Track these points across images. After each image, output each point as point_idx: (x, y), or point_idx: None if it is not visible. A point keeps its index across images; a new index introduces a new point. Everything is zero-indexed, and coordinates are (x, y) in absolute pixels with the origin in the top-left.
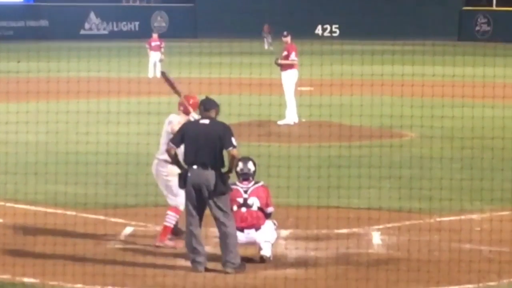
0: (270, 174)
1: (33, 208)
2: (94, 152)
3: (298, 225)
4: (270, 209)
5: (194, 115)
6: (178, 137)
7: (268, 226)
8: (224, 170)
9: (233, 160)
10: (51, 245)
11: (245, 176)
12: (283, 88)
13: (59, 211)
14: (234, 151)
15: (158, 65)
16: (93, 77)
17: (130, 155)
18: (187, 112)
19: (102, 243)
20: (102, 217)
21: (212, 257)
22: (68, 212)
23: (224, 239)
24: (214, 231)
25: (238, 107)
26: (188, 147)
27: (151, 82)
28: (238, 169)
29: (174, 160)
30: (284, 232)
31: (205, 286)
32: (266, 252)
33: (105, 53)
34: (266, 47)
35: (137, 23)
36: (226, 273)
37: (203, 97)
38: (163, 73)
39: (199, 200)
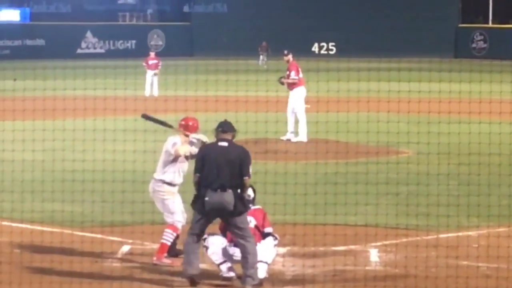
0: (266, 191)
1: (29, 226)
2: (91, 170)
3: (295, 242)
4: (267, 229)
5: (195, 136)
6: (200, 164)
7: (267, 244)
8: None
9: (245, 190)
10: (48, 263)
11: None
12: (289, 106)
13: (55, 229)
14: (247, 181)
15: (155, 83)
16: (89, 95)
17: (126, 172)
18: (187, 134)
19: (99, 261)
20: (99, 236)
21: (208, 275)
22: (65, 231)
23: (245, 255)
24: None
25: (234, 124)
26: (207, 170)
27: (147, 100)
28: None
29: (197, 188)
30: (281, 250)
31: None
32: (261, 274)
33: (101, 72)
34: (259, 63)
35: (133, 42)
36: None
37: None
38: (144, 115)
39: (208, 221)
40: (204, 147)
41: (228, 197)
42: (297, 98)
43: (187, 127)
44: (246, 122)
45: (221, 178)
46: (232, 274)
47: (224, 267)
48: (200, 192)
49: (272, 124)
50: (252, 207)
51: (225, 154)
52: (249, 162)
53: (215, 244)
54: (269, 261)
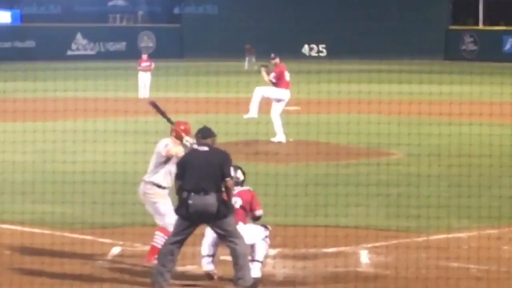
0: (257, 192)
1: (20, 228)
2: (81, 171)
3: (286, 244)
4: (258, 212)
5: (188, 139)
6: (181, 170)
7: (256, 230)
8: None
9: (229, 192)
10: (38, 265)
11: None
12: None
13: (46, 231)
14: (230, 183)
15: (148, 85)
16: (80, 97)
17: (117, 174)
18: (179, 138)
19: (89, 263)
20: (89, 237)
21: (195, 276)
22: (56, 232)
23: (235, 258)
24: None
25: (225, 126)
26: (188, 175)
27: (139, 101)
28: None
29: (180, 194)
30: (272, 251)
31: None
32: (256, 273)
33: (92, 73)
34: (246, 67)
35: (124, 43)
36: None
37: (191, 119)
38: (152, 102)
39: (192, 225)
40: (184, 156)
41: (211, 199)
42: (274, 97)
43: (178, 132)
44: (236, 124)
45: (203, 181)
46: (211, 267)
47: (205, 260)
48: (183, 197)
49: (263, 126)
50: (241, 188)
51: (206, 158)
52: (230, 164)
53: (208, 236)
54: (261, 259)
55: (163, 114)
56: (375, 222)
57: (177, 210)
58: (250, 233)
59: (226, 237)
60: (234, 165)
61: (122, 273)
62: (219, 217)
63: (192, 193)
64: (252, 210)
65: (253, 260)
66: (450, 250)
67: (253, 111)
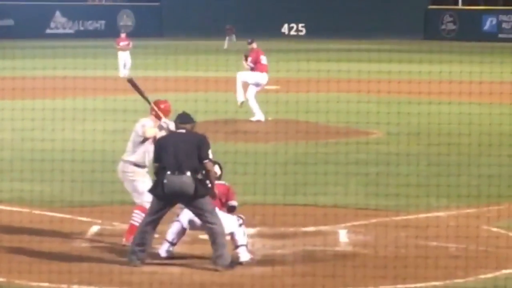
0: (236, 171)
1: None
2: (60, 150)
3: (265, 223)
4: (232, 202)
5: (165, 121)
6: (157, 153)
7: (231, 219)
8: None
9: (209, 173)
10: (17, 243)
11: None
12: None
13: (24, 209)
14: (209, 164)
15: (128, 64)
16: (59, 75)
17: (96, 152)
18: (158, 117)
19: (68, 242)
20: (68, 216)
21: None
22: (34, 211)
23: (213, 237)
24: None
25: (204, 104)
26: (165, 156)
27: (118, 80)
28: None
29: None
30: (251, 230)
31: (172, 283)
32: (244, 257)
33: (70, 52)
34: (225, 47)
35: (103, 22)
36: (216, 270)
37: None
38: (130, 80)
39: (168, 205)
40: (160, 138)
41: (187, 179)
42: (253, 82)
43: (158, 111)
44: (215, 102)
45: (179, 162)
46: (164, 254)
47: (165, 246)
48: (159, 177)
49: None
50: (217, 182)
51: (183, 139)
52: (208, 146)
53: (176, 224)
54: (245, 242)
55: (141, 93)
56: (354, 201)
57: (152, 190)
58: (226, 221)
59: (202, 216)
60: (213, 160)
61: (101, 251)
62: (196, 196)
63: (168, 172)
64: (227, 201)
65: (237, 246)
66: (429, 229)
67: (239, 96)
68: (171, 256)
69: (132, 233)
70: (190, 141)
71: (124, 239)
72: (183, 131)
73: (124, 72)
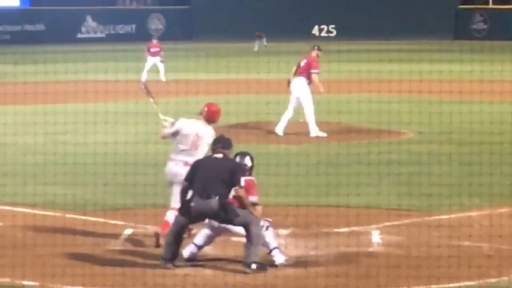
0: (269, 172)
1: (31, 210)
2: (92, 153)
3: (298, 224)
4: (252, 198)
5: (165, 118)
6: (191, 173)
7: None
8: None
9: (241, 200)
10: (50, 247)
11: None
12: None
13: (58, 213)
14: (241, 192)
15: (162, 69)
16: (90, 79)
17: (128, 155)
18: (209, 119)
19: (101, 245)
20: (101, 219)
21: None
22: (67, 214)
23: (249, 239)
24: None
25: (235, 106)
26: (197, 177)
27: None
28: None
29: (182, 195)
30: (284, 231)
31: (205, 285)
32: (279, 259)
33: (102, 55)
34: (256, 49)
35: (133, 26)
36: (246, 273)
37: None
38: (145, 85)
39: (195, 222)
40: (198, 160)
41: (212, 204)
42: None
43: (209, 114)
44: (247, 104)
45: (208, 186)
46: (187, 255)
47: (189, 247)
48: (188, 199)
49: (273, 106)
50: (244, 178)
51: (217, 164)
52: (241, 174)
53: (206, 229)
54: (276, 244)
55: (150, 95)
56: (387, 202)
57: (180, 210)
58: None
59: (244, 226)
60: (243, 151)
61: (134, 254)
62: (223, 221)
63: (196, 196)
64: (247, 194)
65: (270, 250)
66: (461, 229)
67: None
68: (193, 258)
69: (165, 228)
70: (225, 166)
71: (159, 230)
72: (220, 155)
73: (146, 76)
